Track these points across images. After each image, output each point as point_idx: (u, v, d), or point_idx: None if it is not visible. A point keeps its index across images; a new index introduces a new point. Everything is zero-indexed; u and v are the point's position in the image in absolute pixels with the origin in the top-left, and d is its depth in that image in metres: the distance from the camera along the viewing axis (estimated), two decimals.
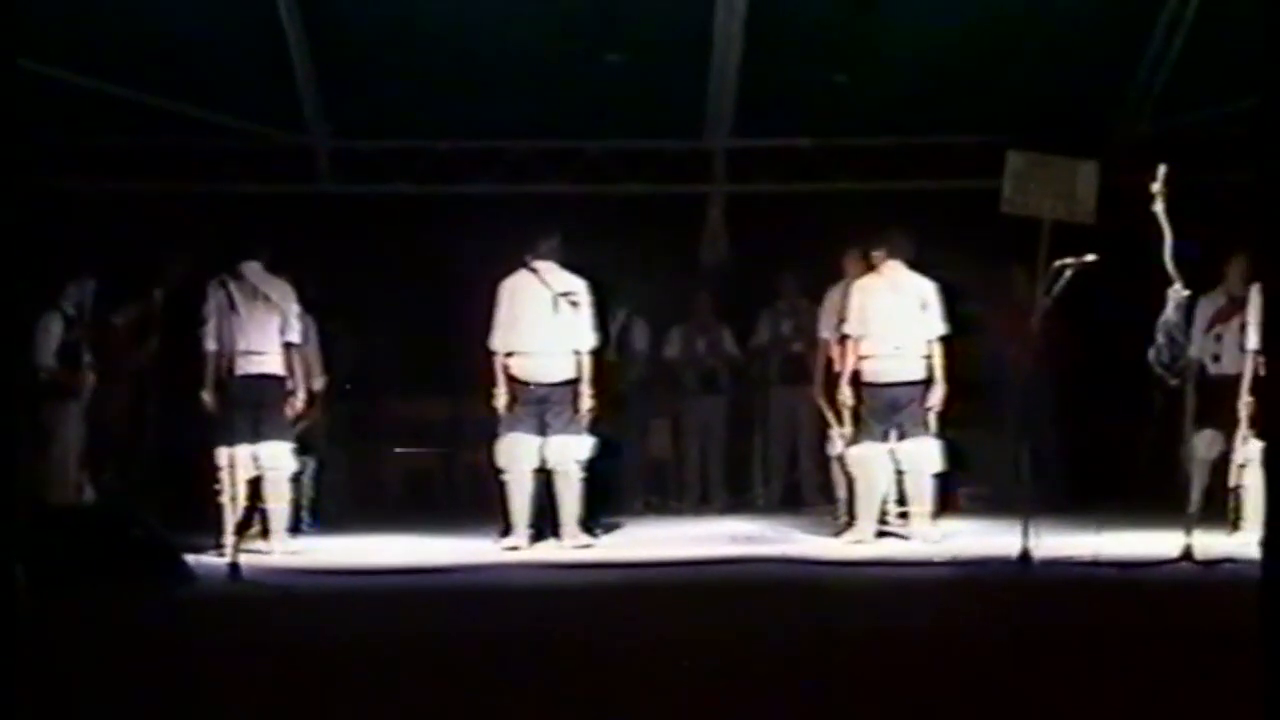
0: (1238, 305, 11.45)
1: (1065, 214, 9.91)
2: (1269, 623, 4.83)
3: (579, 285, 11.20)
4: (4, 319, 6.84)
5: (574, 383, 11.10)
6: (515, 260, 11.27)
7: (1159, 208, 9.64)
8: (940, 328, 11.27)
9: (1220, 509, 11.29)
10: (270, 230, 11.66)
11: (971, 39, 13.27)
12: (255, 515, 11.18)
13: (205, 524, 10.67)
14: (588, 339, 11.15)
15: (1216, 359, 11.62)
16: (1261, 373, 11.04)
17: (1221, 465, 11.47)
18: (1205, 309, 11.53)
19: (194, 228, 12.54)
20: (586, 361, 11.14)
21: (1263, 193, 5.17)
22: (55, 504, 11.16)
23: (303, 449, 11.66)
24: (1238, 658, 6.52)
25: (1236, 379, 11.24)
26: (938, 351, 11.26)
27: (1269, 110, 5.19)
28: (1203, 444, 11.39)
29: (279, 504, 11.22)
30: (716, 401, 14.84)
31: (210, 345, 10.96)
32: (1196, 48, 13.21)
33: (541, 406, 11.10)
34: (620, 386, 12.49)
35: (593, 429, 11.24)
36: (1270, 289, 5.67)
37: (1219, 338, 11.62)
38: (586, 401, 11.12)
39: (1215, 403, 11.32)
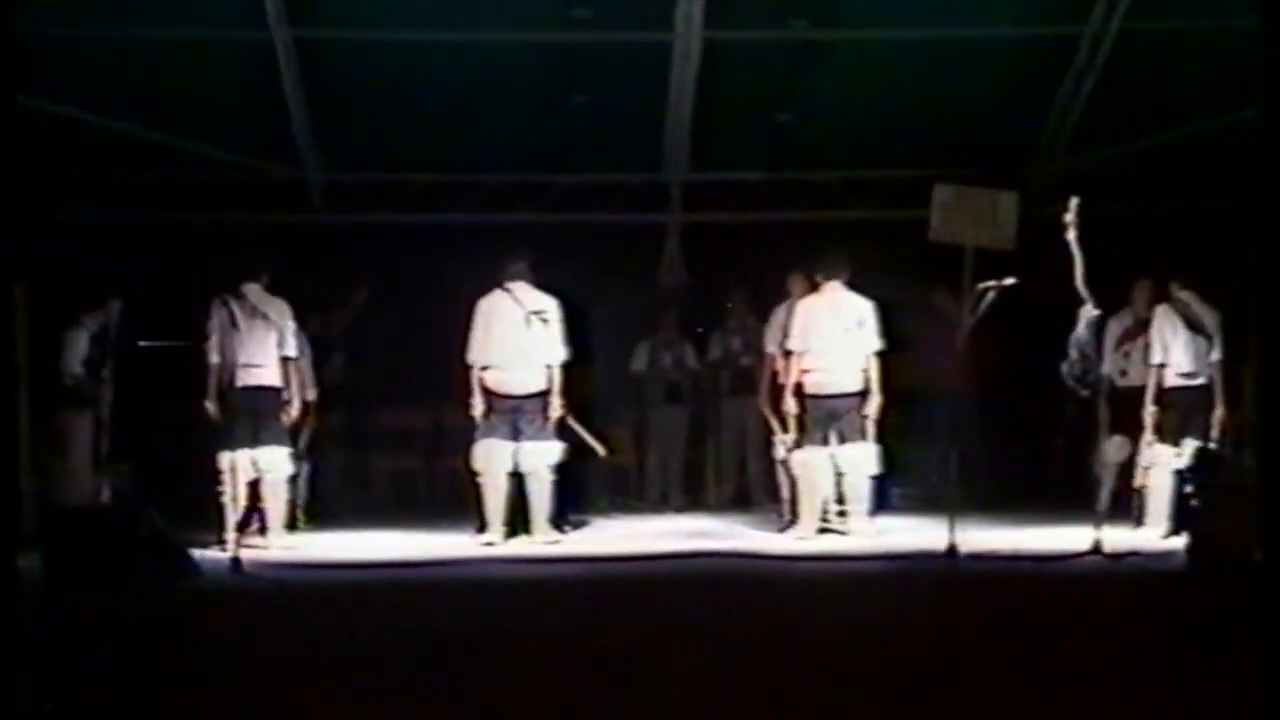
0: (1143, 326, 11.54)
1: (988, 241, 9.94)
2: (1270, 621, 4.82)
3: (549, 304, 11.17)
4: (4, 332, 6.83)
5: (545, 394, 11.08)
6: (491, 283, 11.28)
7: (1071, 236, 9.71)
8: (876, 344, 11.30)
9: (1126, 508, 11.38)
10: (268, 255, 11.62)
11: (903, 84, 13.34)
12: (254, 514, 11.14)
13: (209, 522, 10.66)
14: (558, 353, 11.12)
15: (1124, 374, 11.70)
16: (1165, 384, 11.18)
17: (1128, 468, 11.55)
18: (1114, 329, 11.61)
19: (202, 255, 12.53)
20: (557, 374, 11.11)
21: (1263, 205, 5.15)
22: (73, 504, 11.14)
23: (298, 454, 11.64)
24: (1143, 640, 6.61)
25: (1142, 390, 11.34)
26: (874, 365, 11.29)
27: (1270, 125, 5.17)
28: (1112, 449, 11.44)
29: (276, 504, 11.17)
30: (680, 411, 14.83)
31: (214, 358, 10.94)
32: (1104, 93, 13.29)
33: (515, 415, 11.07)
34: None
35: (561, 435, 11.25)
36: (1270, 298, 5.66)
37: (1127, 355, 11.70)
38: (557, 410, 11.14)
39: (1123, 412, 11.40)
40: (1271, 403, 5.09)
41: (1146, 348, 11.40)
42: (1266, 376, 5.36)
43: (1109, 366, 11.54)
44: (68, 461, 11.76)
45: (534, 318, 11.09)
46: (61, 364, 11.71)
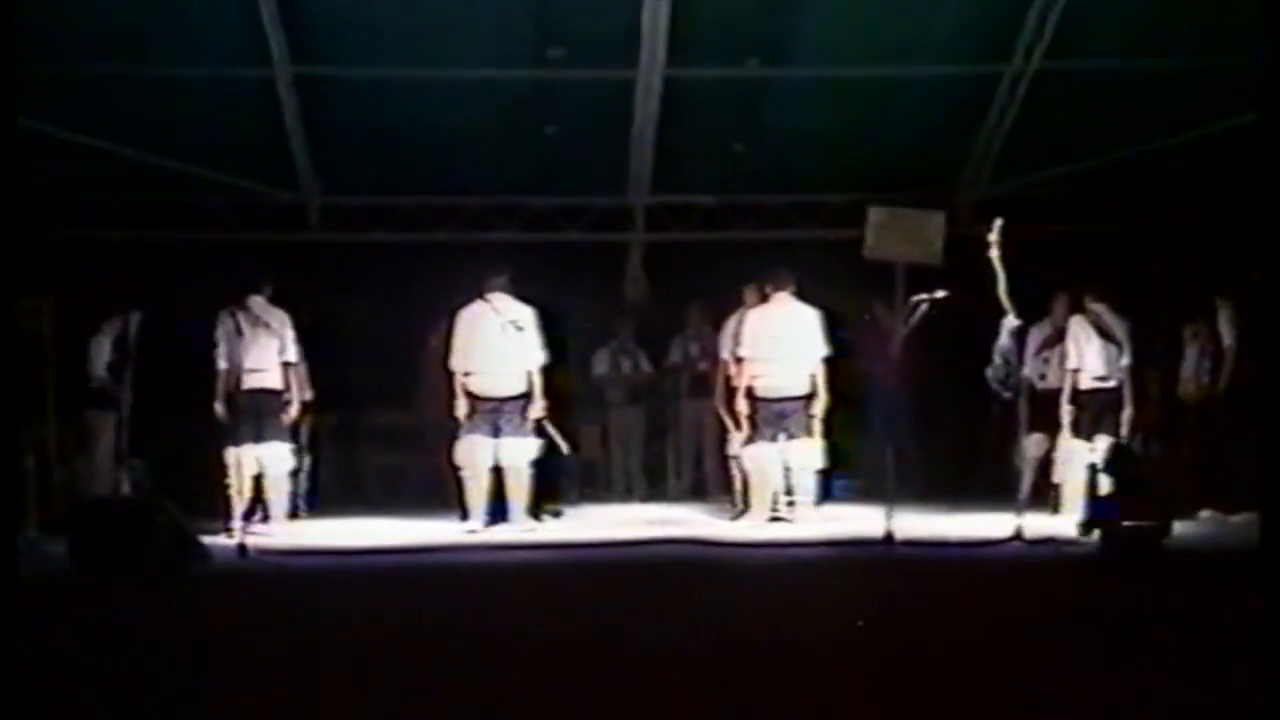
0: (1061, 334, 11.62)
1: (917, 257, 9.95)
2: (1271, 613, 4.81)
3: (526, 313, 11.12)
4: (5, 339, 6.79)
5: (522, 396, 11.03)
6: (472, 294, 11.27)
7: (994, 254, 9.77)
8: (823, 350, 11.29)
9: (1044, 498, 11.45)
10: (270, 270, 11.61)
11: (844, 116, 13.40)
12: (258, 504, 11.12)
13: (217, 512, 10.63)
14: (535, 358, 11.08)
15: (1043, 377, 11.76)
16: (1079, 386, 11.28)
17: (1046, 462, 11.63)
18: (1035, 337, 11.68)
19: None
20: (535, 377, 11.07)
21: (1267, 206, 5.12)
22: (97, 496, 11.11)
23: (298, 449, 11.61)
24: (1057, 615, 6.66)
25: (1059, 392, 11.42)
26: (820, 370, 11.28)
27: (1271, 129, 5.11)
28: (1031, 445, 11.53)
29: (278, 495, 11.16)
30: (636, 411, 14.88)
31: (221, 364, 10.96)
32: (1023, 126, 13.39)
33: (495, 415, 11.02)
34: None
35: (539, 433, 11.21)
36: (1270, 298, 5.63)
37: (1046, 360, 11.77)
38: (537, 410, 11.09)
39: (1041, 412, 11.45)
40: (1271, 402, 5.06)
41: (1064, 354, 11.48)
42: (1268, 376, 5.32)
43: (1029, 371, 11.60)
44: (93, 457, 11.74)
45: (510, 325, 11.08)
46: (87, 369, 11.68)
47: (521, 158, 13.94)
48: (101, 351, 11.77)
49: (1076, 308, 11.50)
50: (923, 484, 13.21)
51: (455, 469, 11.18)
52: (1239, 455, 11.28)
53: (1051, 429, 11.47)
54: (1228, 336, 11.46)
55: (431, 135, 13.32)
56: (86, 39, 11.88)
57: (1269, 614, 5.88)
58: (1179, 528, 9.36)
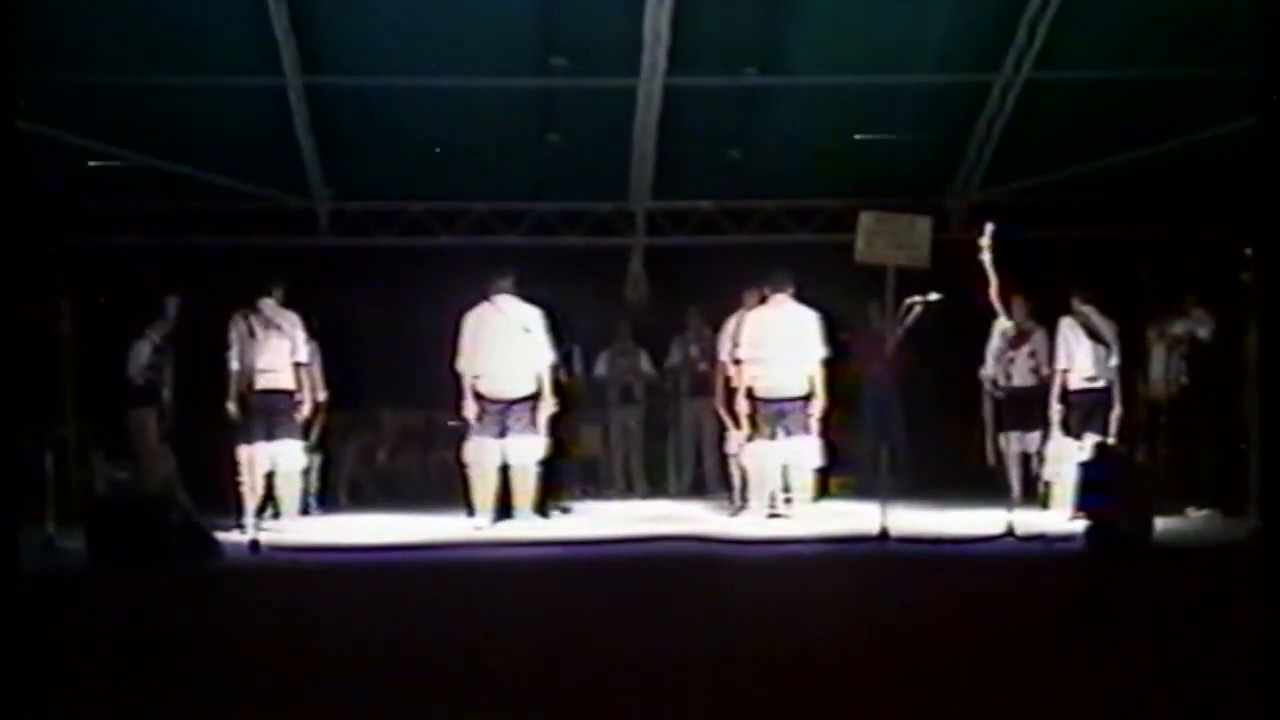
0: (1025, 335, 11.54)
1: (905, 261, 9.92)
2: (1272, 608, 4.79)
3: (533, 314, 11.07)
4: (5, 337, 6.78)
5: (530, 397, 10.97)
6: (477, 297, 11.25)
7: (985, 258, 9.76)
8: (821, 351, 11.22)
9: (1033, 494, 11.44)
10: (282, 273, 11.60)
11: (839, 124, 13.39)
12: (270, 501, 11.11)
13: (230, 509, 10.62)
14: (542, 359, 11.03)
15: (1009, 377, 11.52)
16: (1069, 386, 11.24)
17: (1025, 458, 11.61)
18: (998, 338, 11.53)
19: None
20: (544, 377, 11.02)
21: (1265, 205, 5.08)
22: (111, 493, 11.11)
23: (310, 447, 11.59)
24: (1047, 609, 6.66)
25: (1027, 390, 11.34)
26: (818, 371, 11.23)
27: (1269, 128, 5.07)
28: (1013, 442, 11.50)
29: (290, 492, 11.13)
30: (634, 410, 14.88)
31: (234, 365, 10.94)
32: (1013, 134, 13.40)
33: (502, 415, 10.97)
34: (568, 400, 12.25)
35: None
36: (1271, 298, 5.60)
37: (1011, 360, 11.55)
38: (547, 409, 11.03)
39: (1024, 409, 11.38)
40: (1271, 400, 5.05)
41: (1032, 354, 11.47)
42: (1267, 377, 5.30)
43: (994, 369, 11.43)
44: (143, 453, 11.76)
45: (517, 327, 11.05)
46: (129, 371, 11.70)
47: (525, 164, 13.97)
48: (140, 356, 11.83)
49: (1065, 309, 11.46)
50: (915, 481, 13.21)
51: (463, 467, 11.16)
52: (1206, 454, 11.31)
53: (1027, 426, 11.45)
54: (1204, 331, 11.41)
55: (437, 142, 13.33)
56: (103, 49, 11.90)
57: (1256, 608, 5.87)
58: (1157, 524, 9.35)
